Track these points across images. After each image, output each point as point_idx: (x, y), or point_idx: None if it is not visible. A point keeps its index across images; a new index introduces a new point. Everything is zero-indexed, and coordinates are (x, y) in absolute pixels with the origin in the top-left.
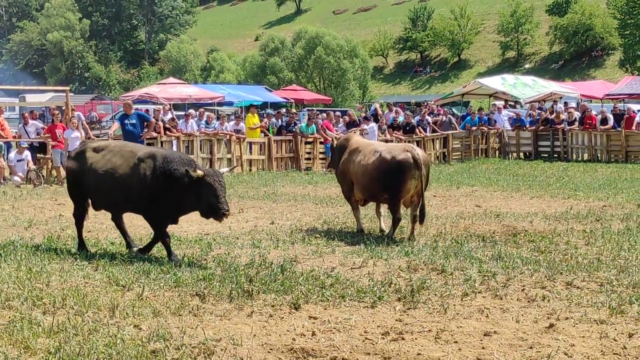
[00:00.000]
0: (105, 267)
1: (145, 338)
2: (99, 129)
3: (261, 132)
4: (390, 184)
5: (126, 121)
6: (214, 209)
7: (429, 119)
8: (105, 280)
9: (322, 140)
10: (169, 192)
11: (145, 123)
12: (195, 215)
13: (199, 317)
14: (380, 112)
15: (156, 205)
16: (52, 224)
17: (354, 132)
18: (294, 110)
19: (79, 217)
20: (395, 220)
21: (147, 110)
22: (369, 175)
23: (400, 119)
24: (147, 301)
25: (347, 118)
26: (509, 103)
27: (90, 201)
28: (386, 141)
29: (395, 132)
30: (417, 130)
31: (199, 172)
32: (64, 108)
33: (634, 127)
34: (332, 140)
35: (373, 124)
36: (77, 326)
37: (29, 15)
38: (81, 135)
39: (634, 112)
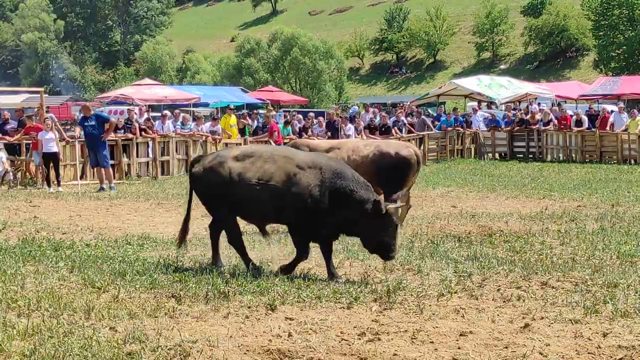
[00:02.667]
0: (80, 269)
1: (121, 340)
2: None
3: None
4: (392, 178)
5: (86, 123)
6: (386, 250)
7: (405, 119)
8: (80, 282)
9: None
10: (331, 210)
11: (106, 125)
12: (170, 217)
13: (175, 318)
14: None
15: (312, 221)
16: (26, 226)
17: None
18: (271, 111)
19: (237, 237)
20: None
21: (121, 112)
22: (364, 168)
23: (377, 119)
24: (122, 303)
25: (321, 119)
26: (484, 104)
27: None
28: None
29: (371, 133)
30: (393, 131)
31: (391, 207)
32: (37, 109)
33: (608, 128)
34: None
35: (351, 126)
36: (52, 328)
37: (3, 15)
38: (55, 136)
39: (608, 112)
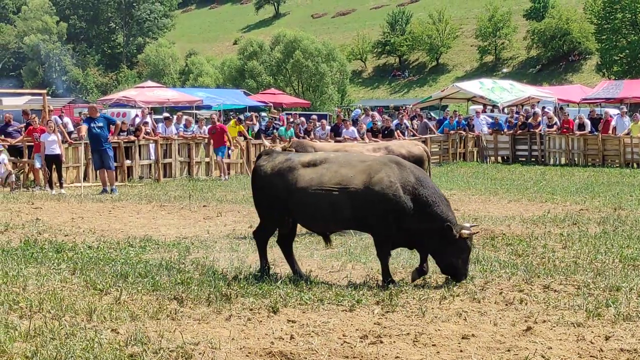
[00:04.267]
0: (82, 271)
1: (123, 342)
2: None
3: (239, 135)
4: None
5: (92, 124)
6: (456, 272)
7: (407, 122)
8: (82, 284)
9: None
10: (410, 217)
11: (112, 127)
12: (173, 219)
13: (177, 321)
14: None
15: (389, 225)
16: (28, 228)
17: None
18: (277, 114)
19: (265, 237)
20: None
21: (124, 114)
22: None
23: (379, 123)
24: (124, 305)
25: (324, 122)
26: (487, 107)
27: (290, 220)
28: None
29: (374, 136)
30: (395, 134)
31: (465, 232)
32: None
33: (610, 131)
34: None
35: (353, 129)
36: (54, 330)
37: (5, 18)
38: (58, 138)
39: (610, 116)
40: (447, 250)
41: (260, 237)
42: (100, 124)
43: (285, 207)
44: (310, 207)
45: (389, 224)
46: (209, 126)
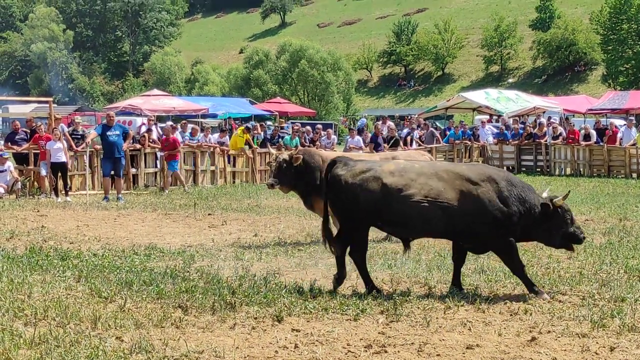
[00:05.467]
0: (87, 279)
1: (127, 350)
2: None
3: (245, 143)
4: None
5: (109, 132)
6: (573, 237)
7: (415, 133)
8: (87, 291)
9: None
10: (513, 220)
11: (124, 134)
12: (178, 227)
13: (181, 329)
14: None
15: (503, 236)
16: (34, 235)
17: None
18: (283, 123)
19: (363, 255)
20: None
21: (130, 122)
22: None
23: (384, 132)
24: (129, 313)
25: (330, 131)
26: (493, 117)
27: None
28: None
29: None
30: (401, 143)
31: (557, 201)
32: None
33: (616, 142)
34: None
35: (358, 138)
36: (59, 338)
37: (12, 25)
38: (63, 146)
39: (616, 127)
40: (554, 225)
41: (356, 256)
42: (117, 132)
43: (372, 217)
44: (398, 216)
45: (502, 235)
46: (163, 137)
